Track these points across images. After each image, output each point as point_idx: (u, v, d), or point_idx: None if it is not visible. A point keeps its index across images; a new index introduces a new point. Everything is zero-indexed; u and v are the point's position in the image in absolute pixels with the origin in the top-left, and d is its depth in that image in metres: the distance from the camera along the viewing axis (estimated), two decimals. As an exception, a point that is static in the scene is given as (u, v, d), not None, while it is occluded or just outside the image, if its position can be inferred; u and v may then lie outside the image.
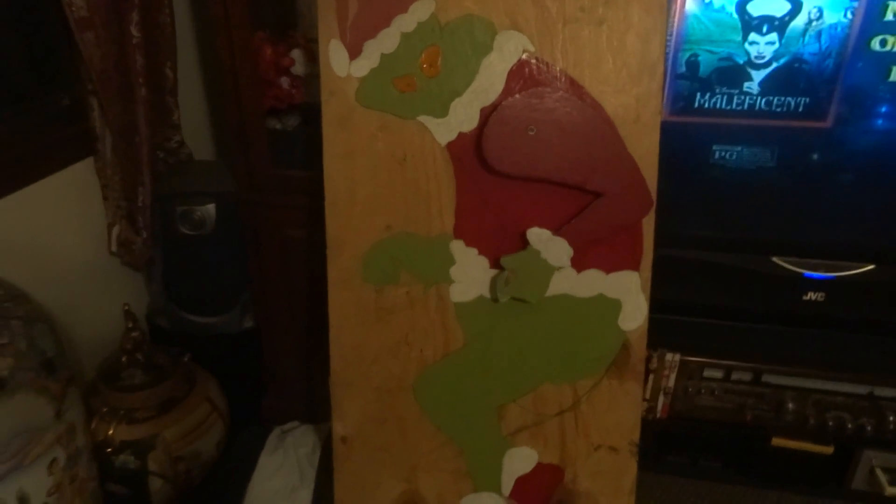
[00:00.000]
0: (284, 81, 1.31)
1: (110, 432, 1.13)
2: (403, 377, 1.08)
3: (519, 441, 1.08)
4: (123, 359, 1.21)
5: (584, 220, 0.99)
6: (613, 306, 1.02)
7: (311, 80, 1.29)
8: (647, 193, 0.98)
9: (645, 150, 0.97)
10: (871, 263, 1.14)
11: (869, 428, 1.21)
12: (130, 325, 1.20)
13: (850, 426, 1.22)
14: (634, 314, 1.03)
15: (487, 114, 0.97)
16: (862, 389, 1.21)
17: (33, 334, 0.78)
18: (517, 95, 0.96)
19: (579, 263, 1.01)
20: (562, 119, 0.96)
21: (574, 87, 0.96)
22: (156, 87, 1.36)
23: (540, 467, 1.08)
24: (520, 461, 1.08)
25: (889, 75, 1.05)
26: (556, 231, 0.99)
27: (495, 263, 1.02)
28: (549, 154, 0.97)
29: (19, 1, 1.27)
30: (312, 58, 1.29)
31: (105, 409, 1.14)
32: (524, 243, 1.00)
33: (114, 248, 1.37)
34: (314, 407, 1.48)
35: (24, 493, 0.74)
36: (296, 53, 1.31)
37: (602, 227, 0.99)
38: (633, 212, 0.99)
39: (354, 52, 0.98)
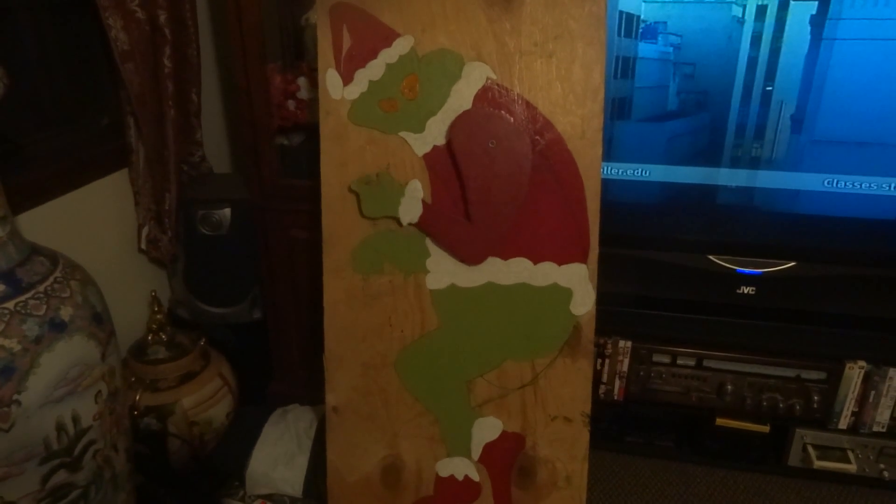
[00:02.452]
0: (291, 104, 1.44)
1: (137, 398, 1.29)
2: (386, 354, 1.18)
3: (486, 412, 1.17)
4: (149, 337, 1.38)
5: (439, 215, 1.12)
6: (565, 294, 1.13)
7: (314, 103, 1.39)
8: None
9: (589, 161, 1.10)
10: (792, 261, 1.29)
11: (798, 407, 1.34)
12: (156, 308, 1.37)
13: (781, 406, 1.35)
14: (584, 301, 1.13)
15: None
16: (790, 372, 1.34)
17: (86, 293, 0.97)
18: (509, 116, 1.08)
19: (536, 257, 1.12)
20: (514, 160, 1.09)
21: (529, 108, 1.11)
22: (183, 110, 1.52)
23: (504, 435, 1.17)
24: (487, 429, 1.18)
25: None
26: (426, 202, 1.11)
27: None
28: (484, 165, 1.09)
29: (69, 37, 1.45)
30: (315, 84, 1.39)
31: (133, 379, 1.31)
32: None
33: (143, 246, 1.52)
34: (314, 392, 1.58)
35: (76, 414, 0.92)
36: (301, 81, 1.43)
37: (440, 232, 1.12)
38: (462, 251, 1.12)
39: (347, 79, 1.12)
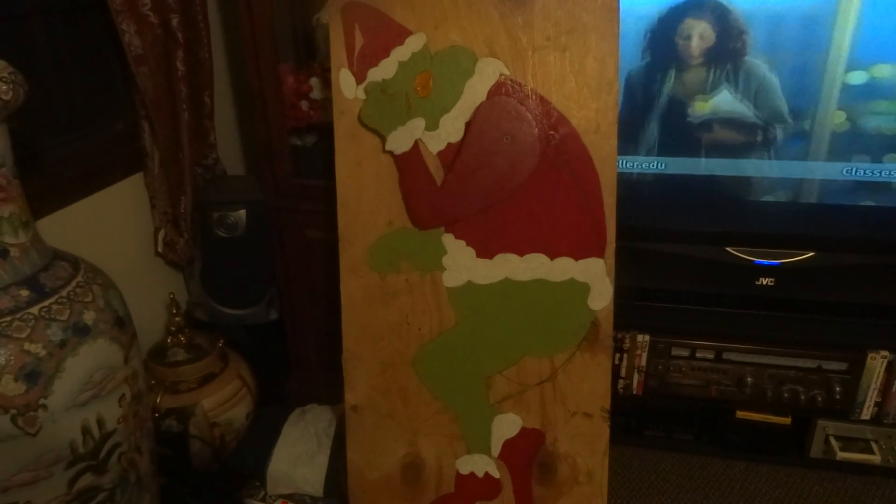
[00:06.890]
0: (304, 105, 1.45)
1: (158, 401, 1.30)
2: (404, 352, 1.18)
3: (505, 408, 1.17)
4: (168, 339, 1.39)
5: (418, 164, 1.11)
6: (583, 289, 1.12)
7: (326, 103, 1.42)
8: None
9: (605, 155, 1.10)
10: (810, 251, 1.27)
11: (819, 399, 1.33)
12: (174, 311, 1.38)
13: (803, 398, 1.34)
14: (602, 295, 1.12)
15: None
16: (811, 364, 1.32)
17: (108, 297, 0.99)
18: (529, 116, 1.08)
19: (552, 252, 1.12)
20: (516, 163, 1.09)
21: (543, 103, 1.10)
22: (196, 113, 1.53)
23: (524, 431, 1.17)
24: (506, 426, 1.18)
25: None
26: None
27: (481, 253, 1.13)
28: (487, 154, 1.09)
29: (83, 43, 1.46)
30: (327, 84, 1.36)
31: (153, 382, 1.32)
32: (505, 236, 1.13)
33: (160, 249, 1.54)
34: (333, 391, 1.59)
35: (101, 417, 0.93)
36: (314, 81, 1.44)
37: (408, 179, 1.12)
38: (416, 209, 1.12)
39: (360, 78, 1.12)
